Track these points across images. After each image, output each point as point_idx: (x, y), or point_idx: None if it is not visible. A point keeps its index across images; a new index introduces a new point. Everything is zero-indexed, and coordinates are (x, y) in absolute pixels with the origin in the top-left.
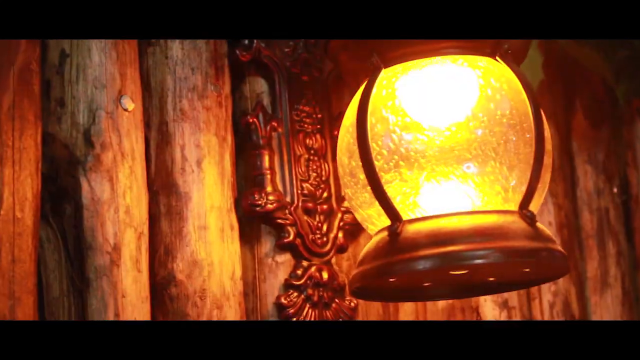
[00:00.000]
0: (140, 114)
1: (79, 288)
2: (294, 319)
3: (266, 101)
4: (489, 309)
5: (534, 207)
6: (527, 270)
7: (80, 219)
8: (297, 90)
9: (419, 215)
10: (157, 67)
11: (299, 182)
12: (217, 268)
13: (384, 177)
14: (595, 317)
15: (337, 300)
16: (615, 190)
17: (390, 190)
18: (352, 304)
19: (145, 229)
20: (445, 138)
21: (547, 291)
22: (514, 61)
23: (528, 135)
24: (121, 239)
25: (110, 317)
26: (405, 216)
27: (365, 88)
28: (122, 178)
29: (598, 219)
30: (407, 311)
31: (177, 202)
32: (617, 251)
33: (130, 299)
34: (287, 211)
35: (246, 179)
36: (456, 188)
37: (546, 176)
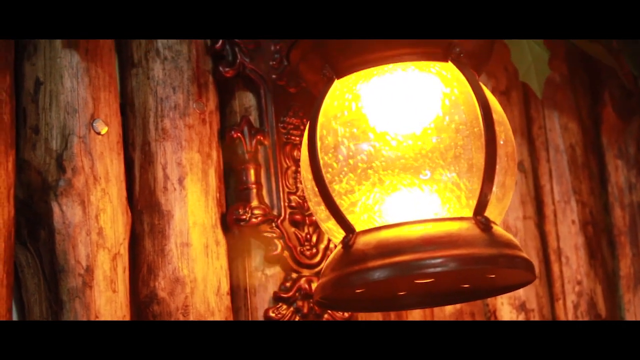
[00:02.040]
0: (117, 136)
1: (55, 310)
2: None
3: (254, 115)
4: (506, 312)
5: (498, 212)
6: (492, 276)
7: (53, 243)
8: (284, 102)
9: (375, 226)
10: (139, 88)
11: (286, 195)
12: (201, 284)
13: (338, 189)
14: (629, 315)
15: (329, 310)
16: None
17: (345, 202)
18: (346, 314)
19: (123, 249)
20: (391, 148)
21: (571, 291)
22: (471, 64)
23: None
24: (94, 261)
25: None
26: (364, 227)
27: (317, 100)
28: (94, 201)
29: (630, 215)
30: (414, 318)
31: (159, 221)
32: None
33: (104, 319)
34: (274, 224)
35: (236, 193)
36: (410, 197)
37: (507, 180)
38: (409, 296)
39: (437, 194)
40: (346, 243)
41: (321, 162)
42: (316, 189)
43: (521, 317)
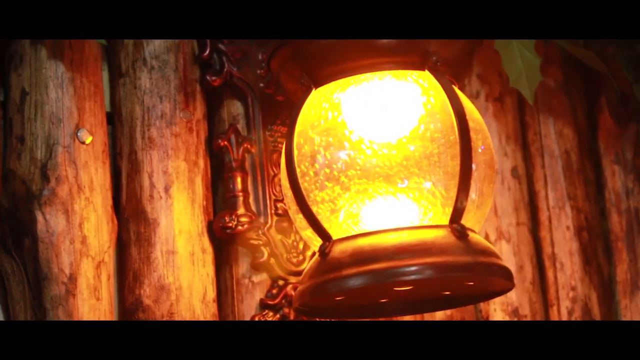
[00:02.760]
0: (102, 145)
1: (39, 318)
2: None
3: (242, 123)
4: (499, 317)
5: (476, 220)
6: (471, 284)
7: (37, 251)
8: (272, 110)
9: (352, 234)
10: (127, 98)
11: (272, 202)
12: (187, 291)
13: (314, 197)
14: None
15: (317, 318)
16: None
17: (322, 210)
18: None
19: (107, 257)
20: (366, 156)
21: (565, 297)
22: (449, 72)
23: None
24: (77, 269)
25: None
26: (341, 235)
27: (294, 109)
28: (78, 209)
29: (627, 221)
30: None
31: (145, 229)
32: None
33: None
34: (260, 232)
35: (224, 201)
36: (387, 206)
37: (486, 188)
38: (391, 303)
39: (413, 202)
40: (322, 251)
41: (298, 170)
42: (294, 198)
43: None
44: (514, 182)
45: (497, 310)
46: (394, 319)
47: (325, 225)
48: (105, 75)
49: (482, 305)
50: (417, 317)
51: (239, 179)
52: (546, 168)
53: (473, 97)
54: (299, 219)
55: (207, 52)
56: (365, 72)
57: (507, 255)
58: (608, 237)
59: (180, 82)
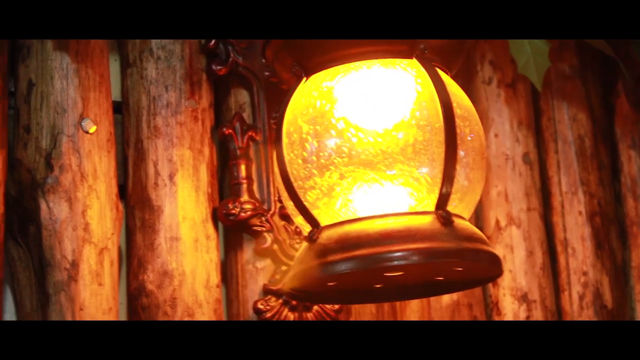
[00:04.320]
0: (107, 134)
1: (43, 303)
2: None
3: (247, 112)
4: (508, 302)
5: (464, 206)
6: (459, 269)
7: (41, 238)
8: (277, 99)
9: (340, 220)
10: (134, 88)
11: (276, 189)
12: (190, 277)
13: (303, 185)
14: (639, 306)
15: (310, 303)
16: None
17: (311, 197)
18: (336, 306)
19: (111, 244)
20: (353, 144)
21: (576, 282)
22: (440, 60)
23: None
24: (79, 255)
25: None
26: (329, 221)
27: (285, 98)
28: (81, 197)
29: None
30: (413, 309)
31: (150, 216)
32: None
33: (88, 311)
34: (263, 218)
35: (229, 188)
36: (374, 192)
37: (474, 175)
38: (385, 289)
39: (400, 189)
40: (310, 237)
41: (288, 158)
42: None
43: (523, 309)
44: (526, 168)
45: (506, 295)
46: (395, 314)
47: (314, 212)
48: (116, 65)
49: (491, 290)
50: (424, 304)
51: (243, 167)
52: (559, 153)
53: (485, 84)
54: (291, 206)
55: (213, 42)
56: (355, 61)
57: (517, 241)
58: (623, 222)
59: (186, 72)
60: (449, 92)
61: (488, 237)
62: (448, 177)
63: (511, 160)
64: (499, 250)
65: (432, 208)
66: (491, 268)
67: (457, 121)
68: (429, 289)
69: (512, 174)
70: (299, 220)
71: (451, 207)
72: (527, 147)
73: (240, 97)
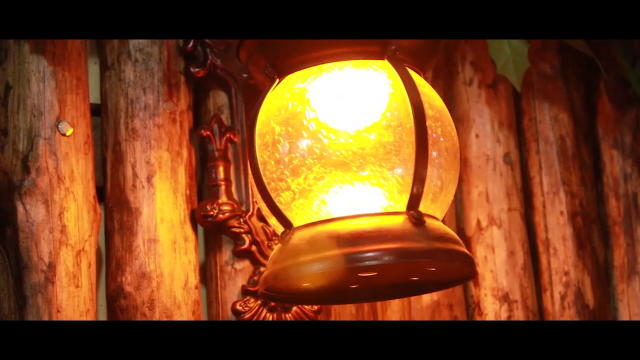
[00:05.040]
0: (84, 136)
1: (20, 306)
2: None
3: (226, 113)
4: (489, 302)
5: (437, 206)
6: (432, 269)
7: (17, 240)
8: (255, 100)
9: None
10: (112, 90)
11: None
12: (168, 279)
13: (276, 186)
14: (622, 306)
15: (286, 303)
16: None
17: (283, 199)
18: (315, 307)
19: (88, 246)
20: (324, 145)
21: (558, 282)
22: (413, 61)
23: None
24: (56, 257)
25: None
26: (302, 222)
27: (258, 99)
28: (58, 200)
29: (625, 205)
30: (394, 309)
31: (128, 218)
32: None
33: (65, 313)
34: (242, 220)
35: (207, 190)
36: (347, 193)
37: (446, 175)
38: (361, 289)
39: (373, 189)
40: (283, 238)
41: (261, 159)
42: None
43: (504, 309)
44: (507, 168)
45: (487, 295)
46: (379, 319)
47: (287, 213)
48: (97, 68)
49: (473, 290)
50: (405, 304)
51: (221, 168)
52: (541, 154)
53: (466, 85)
54: (265, 208)
55: (191, 44)
56: (327, 62)
57: (498, 241)
58: (605, 221)
59: (164, 74)
60: (420, 93)
61: (469, 238)
62: (419, 177)
63: (492, 161)
64: (480, 250)
65: (404, 209)
66: (464, 268)
67: (429, 122)
68: (406, 289)
69: (492, 175)
70: (272, 221)
71: (424, 208)
72: (508, 148)
73: (219, 99)
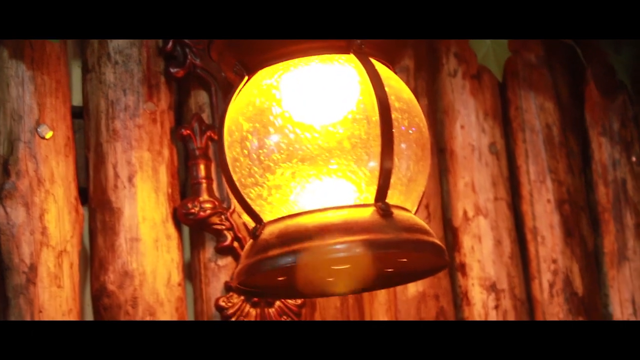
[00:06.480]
0: (64, 139)
1: (2, 308)
2: (233, 320)
3: (207, 112)
4: (477, 292)
5: (406, 197)
6: (404, 260)
7: None
8: None
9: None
10: (93, 92)
11: None
12: (150, 277)
13: (246, 182)
14: (612, 292)
15: (260, 298)
16: (634, 159)
17: (253, 194)
18: (299, 301)
19: (70, 247)
20: (290, 140)
21: (546, 270)
22: (381, 55)
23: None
24: (37, 259)
25: None
26: (272, 217)
27: (228, 97)
28: (38, 202)
29: (614, 192)
30: (380, 301)
31: (110, 218)
32: (636, 223)
33: (47, 313)
34: (223, 217)
35: (189, 188)
36: (315, 187)
37: (415, 166)
38: (337, 282)
39: (340, 182)
40: (254, 233)
41: (230, 156)
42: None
43: (491, 298)
44: (492, 158)
45: (475, 285)
46: (365, 311)
47: (257, 209)
48: (79, 72)
49: (460, 280)
50: (391, 296)
51: (202, 167)
52: (527, 143)
53: (451, 76)
54: (236, 204)
55: (170, 44)
56: (295, 58)
57: (484, 230)
58: (595, 208)
59: (144, 75)
60: (384, 85)
61: (456, 229)
62: (385, 169)
63: (477, 151)
64: (467, 240)
65: (372, 201)
66: (434, 258)
67: (396, 114)
68: (385, 280)
69: (478, 165)
70: (245, 217)
71: (393, 199)
72: (494, 137)
73: (200, 98)
